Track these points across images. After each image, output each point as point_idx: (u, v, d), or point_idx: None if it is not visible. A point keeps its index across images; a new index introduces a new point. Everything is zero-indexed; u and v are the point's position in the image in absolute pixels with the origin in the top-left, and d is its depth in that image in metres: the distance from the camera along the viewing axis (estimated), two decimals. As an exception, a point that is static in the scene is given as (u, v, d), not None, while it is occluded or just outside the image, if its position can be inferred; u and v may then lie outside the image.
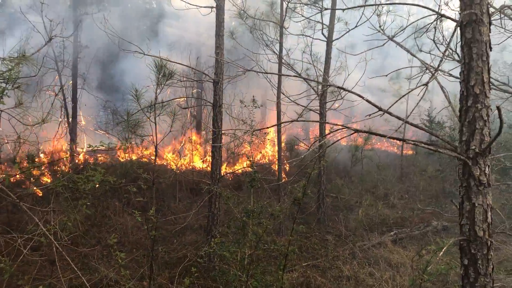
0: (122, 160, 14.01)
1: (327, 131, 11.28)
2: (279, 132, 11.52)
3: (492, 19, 3.71)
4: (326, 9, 7.74)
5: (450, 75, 5.10)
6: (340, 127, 4.06)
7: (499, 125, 3.24)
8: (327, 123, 4.58)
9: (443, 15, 4.28)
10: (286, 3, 10.56)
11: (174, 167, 14.14)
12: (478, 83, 3.54)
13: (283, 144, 13.29)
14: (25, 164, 10.58)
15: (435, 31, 5.19)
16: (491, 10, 3.75)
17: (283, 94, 10.76)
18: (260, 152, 16.01)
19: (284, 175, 13.42)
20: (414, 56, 4.79)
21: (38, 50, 6.84)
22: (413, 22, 5.01)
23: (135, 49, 6.99)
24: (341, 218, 11.86)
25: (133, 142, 13.93)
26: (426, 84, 3.58)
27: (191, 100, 16.78)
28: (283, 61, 11.02)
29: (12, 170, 9.71)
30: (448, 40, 4.23)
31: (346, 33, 10.91)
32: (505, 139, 13.03)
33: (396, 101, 3.81)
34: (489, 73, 3.58)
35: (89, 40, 15.35)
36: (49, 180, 11.66)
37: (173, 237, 9.90)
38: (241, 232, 5.94)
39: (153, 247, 6.16)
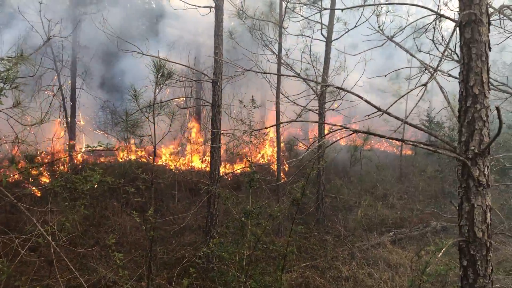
0: (121, 160, 13.99)
1: (326, 131, 11.27)
2: (278, 132, 11.50)
3: (491, 19, 3.69)
4: (325, 9, 7.73)
5: (449, 75, 5.09)
6: (339, 127, 4.05)
7: (499, 126, 3.23)
8: (326, 123, 4.57)
9: (442, 15, 4.27)
10: (285, 3, 10.55)
11: (173, 167, 14.13)
12: (477, 84, 3.53)
13: (282, 144, 13.27)
14: (23, 165, 10.57)
15: (434, 31, 5.18)
16: (490, 10, 3.74)
17: (282, 94, 10.75)
18: (259, 153, 16.00)
19: (283, 176, 13.40)
20: (413, 56, 4.77)
21: (37, 50, 6.82)
22: (412, 22, 5.00)
23: (134, 49, 6.98)
24: (340, 218, 11.85)
25: (132, 142, 13.93)
26: (425, 85, 3.57)
27: (190, 100, 16.76)
28: (282, 61, 11.01)
29: (9, 170, 9.68)
30: (447, 40, 4.22)
31: (345, 33, 10.90)
32: (504, 139, 13.03)
33: (395, 101, 3.80)
34: (488, 74, 3.57)
35: (88, 40, 15.33)
36: (47, 180, 11.64)
37: (171, 237, 9.89)
38: (240, 233, 5.93)
39: (151, 247, 6.14)
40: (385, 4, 7.72)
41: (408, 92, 3.80)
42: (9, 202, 4.78)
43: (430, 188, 15.66)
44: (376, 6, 7.48)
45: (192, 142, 15.32)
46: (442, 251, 3.94)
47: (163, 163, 14.77)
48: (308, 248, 9.99)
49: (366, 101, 4.01)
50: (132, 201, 10.80)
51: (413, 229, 11.27)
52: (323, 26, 11.25)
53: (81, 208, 5.32)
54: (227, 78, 9.16)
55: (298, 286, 7.76)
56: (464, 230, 3.62)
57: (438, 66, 3.59)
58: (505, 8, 4.16)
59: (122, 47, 7.44)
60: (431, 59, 5.47)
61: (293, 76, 6.91)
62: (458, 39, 3.79)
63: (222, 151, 11.86)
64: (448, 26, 21.37)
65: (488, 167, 3.59)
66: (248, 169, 6.59)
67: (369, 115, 3.74)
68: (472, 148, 3.55)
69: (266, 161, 16.48)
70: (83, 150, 13.98)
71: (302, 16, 10.79)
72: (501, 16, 4.96)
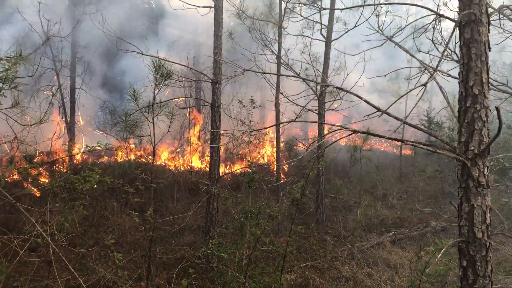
0: (120, 160, 13.98)
1: (325, 132, 11.26)
2: (277, 133, 11.50)
3: (490, 19, 3.69)
4: (324, 9, 7.74)
5: (449, 75, 5.09)
6: (339, 127, 4.04)
7: (498, 126, 3.23)
8: (326, 123, 4.56)
9: (441, 15, 4.26)
10: (285, 3, 10.55)
11: (172, 167, 14.11)
12: (477, 84, 3.52)
13: (281, 145, 13.27)
14: (22, 165, 10.56)
15: (433, 31, 5.18)
16: (490, 10, 3.73)
17: (282, 94, 10.75)
18: (259, 153, 15.99)
19: (282, 176, 13.40)
20: (412, 56, 4.77)
21: (36, 50, 6.80)
22: (412, 22, 4.99)
23: (133, 49, 6.97)
24: (339, 218, 11.84)
25: (131, 143, 13.93)
26: (424, 85, 3.56)
27: (189, 100, 16.75)
28: (282, 61, 11.00)
29: (8, 170, 9.66)
30: (447, 40, 4.21)
31: (345, 33, 10.90)
32: (504, 139, 13.03)
33: (395, 102, 3.79)
34: (488, 74, 3.56)
35: (88, 40, 15.32)
36: (47, 181, 11.62)
37: (171, 237, 9.88)
38: (239, 233, 5.92)
39: (150, 248, 6.13)
40: (385, 4, 7.71)
41: (408, 92, 3.79)
42: (8, 202, 4.77)
43: (429, 188, 15.65)
44: (375, 6, 7.47)
45: (191, 142, 15.32)
46: (441, 252, 3.93)
47: (163, 163, 14.76)
48: (308, 248, 9.98)
49: (365, 101, 4.00)
50: (132, 201, 10.79)
51: (412, 229, 11.26)
52: (323, 26, 11.25)
53: (80, 209, 5.30)
54: (226, 78, 9.15)
55: (298, 286, 7.75)
56: (464, 231, 3.61)
57: (437, 66, 3.59)
58: (505, 8, 4.15)
59: (121, 47, 7.43)
60: (430, 59, 5.47)
61: (293, 76, 6.91)
62: (457, 39, 3.78)
63: (221, 151, 11.85)
64: (447, 26, 21.40)
65: (488, 167, 3.58)
66: (248, 169, 6.58)
67: (368, 115, 3.73)
68: (472, 148, 3.54)
69: (266, 161, 16.47)
70: (82, 150, 13.98)
71: (301, 16, 10.79)
72: (501, 16, 4.95)
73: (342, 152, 17.37)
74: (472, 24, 3.54)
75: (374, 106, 3.85)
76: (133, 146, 14.30)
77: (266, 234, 7.55)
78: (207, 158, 13.61)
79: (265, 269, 6.51)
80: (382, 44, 5.02)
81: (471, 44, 3.55)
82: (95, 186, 5.50)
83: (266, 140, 15.48)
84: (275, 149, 12.80)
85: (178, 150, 15.35)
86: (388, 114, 3.77)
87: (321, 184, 11.93)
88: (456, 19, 3.70)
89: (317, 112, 11.35)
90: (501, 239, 9.61)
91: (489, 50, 3.58)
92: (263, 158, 16.69)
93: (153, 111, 6.66)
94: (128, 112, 7.46)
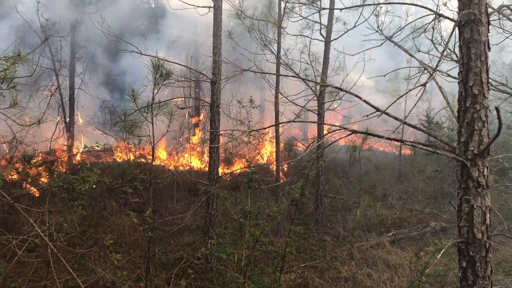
0: (119, 160, 13.96)
1: (325, 131, 11.25)
2: (277, 133, 11.48)
3: (490, 19, 3.67)
4: (324, 8, 7.72)
5: (449, 75, 5.07)
6: (338, 127, 4.03)
7: (498, 126, 3.21)
8: (325, 124, 4.56)
9: (441, 15, 4.25)
10: (284, 2, 10.53)
11: (171, 167, 14.09)
12: (477, 84, 3.51)
13: (281, 145, 13.25)
14: (19, 165, 10.53)
15: (433, 31, 5.16)
16: (489, 10, 3.72)
17: (281, 94, 10.74)
18: (258, 153, 15.98)
19: (282, 176, 13.38)
20: (412, 56, 4.76)
21: (34, 50, 6.78)
22: (411, 22, 4.98)
23: (133, 48, 6.96)
24: (339, 218, 11.83)
25: (130, 143, 13.91)
26: (424, 85, 3.55)
27: (188, 100, 16.73)
28: (281, 61, 10.99)
29: (6, 170, 9.65)
30: (446, 40, 4.20)
31: (344, 33, 10.89)
32: (503, 139, 13.02)
33: (394, 102, 3.78)
34: (487, 74, 3.55)
35: (87, 40, 15.30)
36: (46, 181, 11.60)
37: (170, 238, 9.86)
38: (239, 233, 5.90)
39: (149, 248, 6.12)
40: (384, 3, 7.70)
41: (407, 92, 3.78)
42: (7, 202, 4.76)
43: (429, 188, 15.64)
44: (375, 6, 7.46)
45: (191, 142, 15.30)
46: (441, 253, 3.91)
47: (162, 163, 14.74)
48: (307, 249, 9.97)
49: (364, 101, 3.99)
50: (131, 202, 10.77)
51: (412, 230, 11.26)
52: (322, 26, 11.24)
53: (79, 209, 5.29)
54: (225, 78, 9.14)
55: (297, 286, 7.74)
56: (464, 231, 3.60)
57: (437, 66, 3.57)
58: (504, 8, 4.14)
59: (120, 46, 7.42)
60: (430, 59, 5.47)
61: (292, 76, 6.90)
62: (457, 39, 3.77)
63: (221, 151, 11.83)
64: (447, 26, 21.41)
65: (487, 167, 3.57)
66: (247, 169, 6.57)
67: (367, 115, 3.72)
68: (472, 148, 3.53)
69: (266, 161, 16.46)
70: (81, 150, 13.96)
71: (301, 16, 10.78)
72: (500, 16, 4.94)
73: (342, 152, 17.36)
74: (471, 24, 3.53)
75: (373, 106, 3.84)
76: (132, 146, 14.28)
77: (265, 235, 7.53)
78: (207, 158, 13.60)
79: (264, 269, 6.50)
80: (381, 44, 5.01)
81: (471, 44, 3.54)
82: (94, 186, 5.48)
83: (266, 140, 15.46)
84: (274, 149, 12.78)
85: (177, 150, 15.34)
86: (387, 114, 3.76)
87: (321, 184, 11.92)
88: (456, 19, 3.69)
89: (316, 112, 11.34)
90: (501, 239, 9.60)
91: (489, 50, 3.57)
92: (263, 158, 16.69)
93: (152, 111, 6.64)
94: (127, 112, 7.44)
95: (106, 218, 10.42)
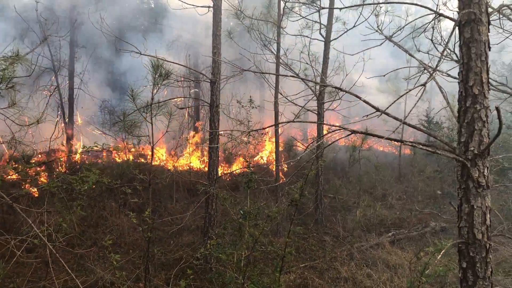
0: (118, 160, 13.94)
1: (325, 132, 11.24)
2: (276, 133, 11.47)
3: (490, 19, 3.66)
4: (323, 8, 7.70)
5: (449, 75, 5.06)
6: (338, 127, 4.01)
7: (498, 126, 3.20)
8: (324, 124, 4.54)
9: (441, 14, 4.23)
10: (284, 2, 10.52)
11: (171, 167, 14.07)
12: (477, 84, 3.50)
13: (281, 145, 13.23)
14: (19, 165, 10.50)
15: (433, 31, 5.15)
16: (489, 10, 3.71)
17: (281, 94, 10.72)
18: (258, 153, 15.96)
19: (281, 176, 13.37)
20: (412, 56, 4.74)
21: (33, 49, 6.76)
22: (411, 21, 4.97)
23: (132, 48, 6.94)
24: (339, 219, 11.81)
25: (130, 143, 13.89)
26: (424, 85, 3.53)
27: (188, 100, 16.72)
28: (281, 61, 10.97)
29: (5, 170, 9.62)
30: (446, 40, 4.19)
31: (344, 33, 10.88)
32: (503, 139, 13.00)
33: (394, 102, 3.76)
34: (488, 73, 3.53)
35: (86, 40, 15.28)
36: (45, 181, 11.58)
37: (169, 238, 9.84)
38: (238, 234, 5.89)
39: (148, 248, 6.10)
40: (384, 3, 7.69)
41: (407, 92, 3.76)
42: (6, 203, 4.74)
43: (429, 188, 15.63)
44: (375, 5, 7.45)
45: (190, 142, 15.28)
46: (441, 253, 3.90)
47: (161, 163, 14.72)
48: (307, 249, 9.95)
49: (364, 101, 3.98)
50: (130, 202, 10.75)
51: (412, 230, 11.24)
52: (322, 26, 11.22)
53: (78, 209, 5.27)
54: (225, 78, 9.12)
55: (297, 287, 7.73)
56: (464, 232, 3.58)
57: (437, 66, 3.56)
58: (505, 7, 4.13)
59: (120, 46, 7.40)
60: (430, 59, 5.45)
61: (292, 76, 6.89)
62: (457, 39, 3.76)
63: (220, 151, 11.81)
64: (447, 26, 21.39)
65: (487, 168, 3.56)
66: (247, 169, 6.55)
67: (367, 115, 3.70)
68: (472, 149, 3.51)
69: (265, 161, 16.45)
70: (80, 150, 13.93)
71: (300, 15, 10.77)
72: (501, 16, 4.92)
73: (341, 152, 17.35)
74: (472, 23, 3.51)
75: (373, 106, 3.82)
76: (131, 145, 14.27)
77: (265, 235, 7.52)
78: (206, 158, 13.58)
79: (264, 269, 6.49)
80: (381, 44, 5.00)
81: (471, 43, 3.52)
82: (93, 186, 5.46)
83: (265, 140, 15.46)
84: (274, 149, 12.76)
85: (176, 150, 15.32)
86: (387, 114, 3.74)
87: (320, 184, 11.91)
88: (456, 19, 3.67)
89: (316, 112, 11.32)
90: (500, 239, 9.59)
91: (489, 50, 3.56)
92: (262, 158, 16.67)
93: (151, 111, 6.62)
94: (126, 112, 7.42)
95: (105, 218, 10.40)
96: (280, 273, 5.53)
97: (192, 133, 16.16)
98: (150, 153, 9.14)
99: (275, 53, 10.96)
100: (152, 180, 8.94)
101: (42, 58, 12.87)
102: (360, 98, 4.02)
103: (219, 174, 9.74)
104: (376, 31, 5.67)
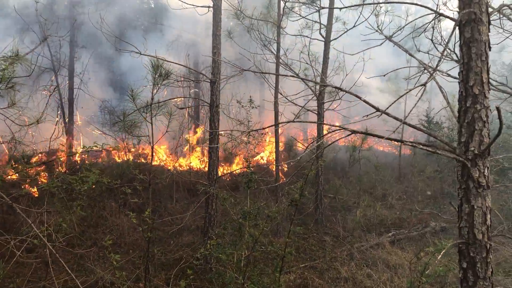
0: (118, 160, 13.93)
1: (325, 132, 11.23)
2: (276, 133, 11.47)
3: (490, 18, 3.65)
4: (323, 8, 7.72)
5: (449, 75, 5.05)
6: (338, 127, 4.01)
7: (499, 126, 3.19)
8: (324, 124, 4.54)
9: (441, 14, 4.23)
10: (284, 2, 10.51)
11: (171, 167, 14.07)
12: (477, 84, 3.49)
13: (281, 145, 13.23)
14: (19, 165, 10.50)
15: (433, 31, 5.15)
16: (490, 10, 3.70)
17: (281, 94, 10.71)
18: (258, 153, 15.95)
19: (281, 176, 13.36)
20: (412, 56, 4.74)
21: (33, 49, 6.75)
22: (411, 21, 4.96)
23: (132, 48, 6.94)
24: (339, 219, 11.81)
25: (130, 143, 13.88)
26: (424, 85, 3.53)
27: (188, 100, 16.71)
28: (280, 61, 10.97)
29: (5, 170, 9.62)
30: (446, 40, 4.18)
31: (344, 33, 10.87)
32: (503, 140, 12.99)
33: (394, 102, 3.76)
34: (488, 73, 3.53)
35: (86, 40, 15.28)
36: (45, 181, 11.57)
37: (169, 238, 9.84)
38: (238, 234, 5.89)
39: (148, 248, 6.09)
40: (384, 3, 7.68)
41: (407, 92, 3.76)
42: (6, 203, 4.73)
43: (429, 189, 15.62)
44: (375, 5, 7.45)
45: (190, 142, 15.28)
46: (441, 253, 3.89)
47: (161, 163, 14.72)
48: (307, 249, 9.95)
49: (364, 101, 3.97)
50: (130, 202, 10.75)
51: (412, 230, 11.24)
52: (322, 26, 11.22)
53: (78, 209, 5.26)
54: (225, 78, 9.12)
55: (297, 287, 7.72)
56: (464, 232, 3.58)
57: (437, 66, 3.55)
58: (505, 7, 4.12)
59: (120, 46, 7.40)
60: (430, 59, 5.45)
61: (292, 76, 6.89)
62: (457, 39, 3.75)
63: (220, 151, 11.80)
64: (447, 26, 21.42)
65: (488, 168, 3.55)
66: (247, 169, 6.55)
67: (367, 115, 3.70)
68: (472, 149, 3.51)
69: (265, 162, 16.44)
70: (80, 151, 13.90)
71: (300, 15, 10.76)
72: (501, 16, 4.92)
73: (341, 152, 17.33)
74: (472, 23, 3.51)
75: (373, 106, 3.82)
76: (131, 145, 14.26)
77: (265, 235, 7.51)
78: (206, 158, 13.57)
79: (263, 270, 6.49)
80: (381, 44, 5.00)
81: (471, 43, 3.51)
82: (93, 186, 5.46)
83: (265, 140, 15.45)
84: (274, 149, 12.75)
85: (176, 150, 15.31)
86: (387, 114, 3.74)
87: (320, 184, 11.90)
88: (456, 18, 3.66)
89: (316, 112, 11.31)
90: (501, 239, 9.58)
91: (490, 50, 3.55)
92: (262, 158, 16.66)
93: (151, 111, 6.62)
94: (126, 112, 7.42)
95: (105, 218, 10.40)
96: (280, 273, 5.53)
97: (191, 133, 16.16)
98: (150, 153, 9.13)
99: (275, 53, 10.95)
100: (152, 180, 8.94)
101: (42, 58, 12.86)
102: (360, 98, 4.02)
103: (219, 174, 9.73)
104: (376, 31, 5.66)
